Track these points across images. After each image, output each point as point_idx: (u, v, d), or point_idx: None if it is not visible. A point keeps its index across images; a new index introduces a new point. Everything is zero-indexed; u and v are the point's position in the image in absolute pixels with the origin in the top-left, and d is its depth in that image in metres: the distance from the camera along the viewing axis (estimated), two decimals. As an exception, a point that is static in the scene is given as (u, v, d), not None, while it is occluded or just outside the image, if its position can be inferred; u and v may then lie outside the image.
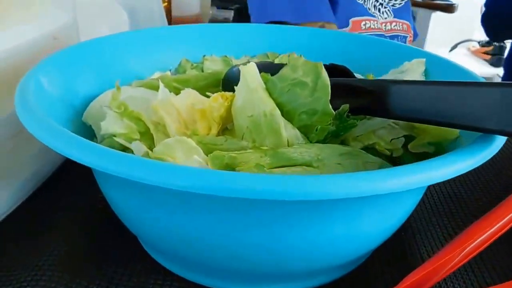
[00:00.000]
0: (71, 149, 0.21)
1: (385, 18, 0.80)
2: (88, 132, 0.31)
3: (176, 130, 0.28)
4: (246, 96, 0.25)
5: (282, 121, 0.25)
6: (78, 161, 0.20)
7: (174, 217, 0.23)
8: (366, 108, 0.27)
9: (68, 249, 0.30)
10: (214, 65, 0.40)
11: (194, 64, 0.40)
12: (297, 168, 0.24)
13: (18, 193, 0.34)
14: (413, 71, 0.36)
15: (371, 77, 0.31)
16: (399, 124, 0.30)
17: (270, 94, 0.25)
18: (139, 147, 0.25)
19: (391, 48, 0.39)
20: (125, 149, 0.27)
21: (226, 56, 0.41)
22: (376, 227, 0.25)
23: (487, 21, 1.00)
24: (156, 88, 0.34)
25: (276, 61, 0.43)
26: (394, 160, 0.29)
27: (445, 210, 0.36)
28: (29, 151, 0.35)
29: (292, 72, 0.25)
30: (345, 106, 0.26)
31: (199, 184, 0.18)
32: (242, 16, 1.18)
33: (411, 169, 0.20)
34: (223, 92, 0.27)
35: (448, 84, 0.24)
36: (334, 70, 0.32)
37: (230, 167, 0.24)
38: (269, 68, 0.30)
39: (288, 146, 0.25)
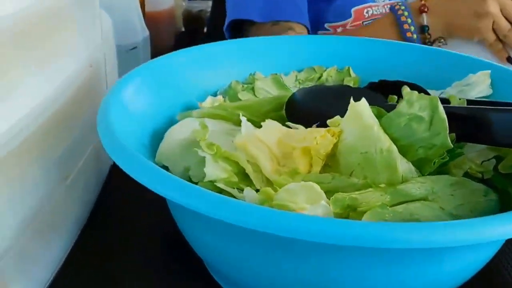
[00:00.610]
0: (204, 204, 0.23)
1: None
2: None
3: (272, 168, 0.31)
4: (359, 133, 0.28)
5: (399, 157, 0.28)
6: (215, 217, 0.23)
7: (279, 263, 0.26)
8: (466, 135, 0.31)
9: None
10: (266, 85, 0.43)
11: (245, 86, 0.43)
12: (416, 204, 0.28)
13: (69, 239, 0.36)
14: (480, 84, 0.40)
15: (454, 98, 0.35)
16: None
17: (385, 130, 0.29)
18: (252, 195, 0.27)
19: (453, 59, 0.43)
20: (221, 191, 0.30)
21: (275, 74, 0.44)
22: (482, 258, 0.29)
23: None
24: (218, 118, 0.37)
25: (324, 75, 0.46)
26: (486, 182, 0.33)
27: None
28: (72, 193, 0.37)
29: (409, 107, 0.28)
30: (452, 136, 0.30)
31: (356, 237, 0.21)
32: (221, 7, 1.19)
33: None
34: (329, 127, 0.30)
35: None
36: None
37: (351, 208, 0.27)
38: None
39: (403, 180, 0.28)
